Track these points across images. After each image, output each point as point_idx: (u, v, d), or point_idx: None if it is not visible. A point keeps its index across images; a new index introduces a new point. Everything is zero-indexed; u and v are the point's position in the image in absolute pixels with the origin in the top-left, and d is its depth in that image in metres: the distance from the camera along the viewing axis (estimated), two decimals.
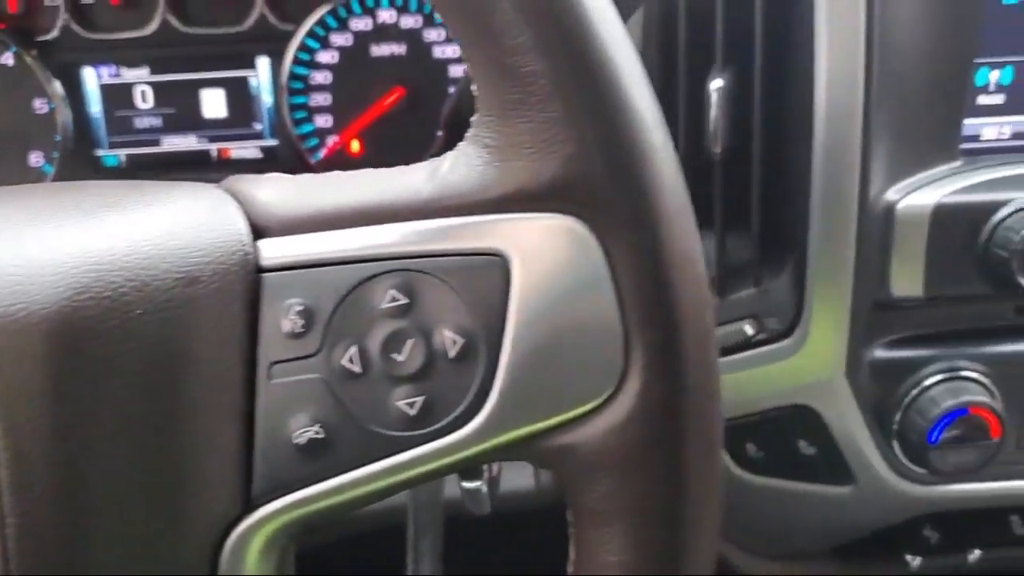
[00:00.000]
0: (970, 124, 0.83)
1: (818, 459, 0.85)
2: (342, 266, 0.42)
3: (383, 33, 0.98)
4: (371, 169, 0.45)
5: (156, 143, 1.02)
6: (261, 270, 0.42)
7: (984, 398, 0.81)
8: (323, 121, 1.00)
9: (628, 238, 0.41)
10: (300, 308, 0.41)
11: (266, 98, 1.01)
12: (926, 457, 0.82)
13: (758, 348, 0.82)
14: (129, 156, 1.01)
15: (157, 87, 1.00)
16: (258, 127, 1.04)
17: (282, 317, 0.41)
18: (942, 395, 0.82)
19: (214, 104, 1.03)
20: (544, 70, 0.40)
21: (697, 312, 0.42)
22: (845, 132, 0.75)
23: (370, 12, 0.97)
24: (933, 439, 0.82)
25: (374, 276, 0.42)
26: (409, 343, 0.42)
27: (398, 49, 0.99)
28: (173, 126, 1.01)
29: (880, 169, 0.78)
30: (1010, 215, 0.78)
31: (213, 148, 1.04)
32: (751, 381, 0.83)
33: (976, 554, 0.94)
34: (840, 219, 0.77)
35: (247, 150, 1.05)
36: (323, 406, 0.42)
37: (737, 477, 0.87)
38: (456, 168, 0.43)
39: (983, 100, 0.82)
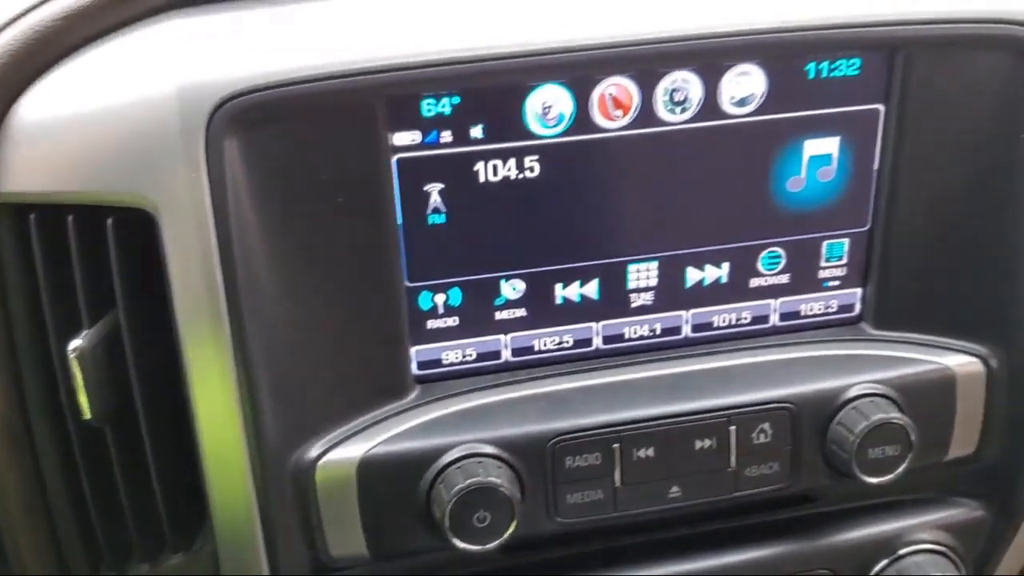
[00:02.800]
0: (424, 351, 0.73)
1: None
2: None
3: None
4: None
5: None
6: None
7: None
8: None
9: None
10: None
11: None
12: None
13: None
14: None
15: None
16: None
17: None
18: None
19: None
20: None
21: None
22: (218, 387, 0.65)
23: None
24: None
25: None
26: None
27: None
28: None
29: (294, 421, 0.68)
30: (446, 467, 0.69)
31: None
32: None
33: None
34: (237, 483, 0.67)
35: None
36: None
37: None
38: None
39: (434, 324, 0.72)
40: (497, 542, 0.68)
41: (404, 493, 0.69)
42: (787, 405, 0.72)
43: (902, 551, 0.80)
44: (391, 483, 0.69)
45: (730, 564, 0.78)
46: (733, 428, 0.72)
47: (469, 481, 0.67)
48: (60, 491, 0.69)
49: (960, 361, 0.76)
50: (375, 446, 0.69)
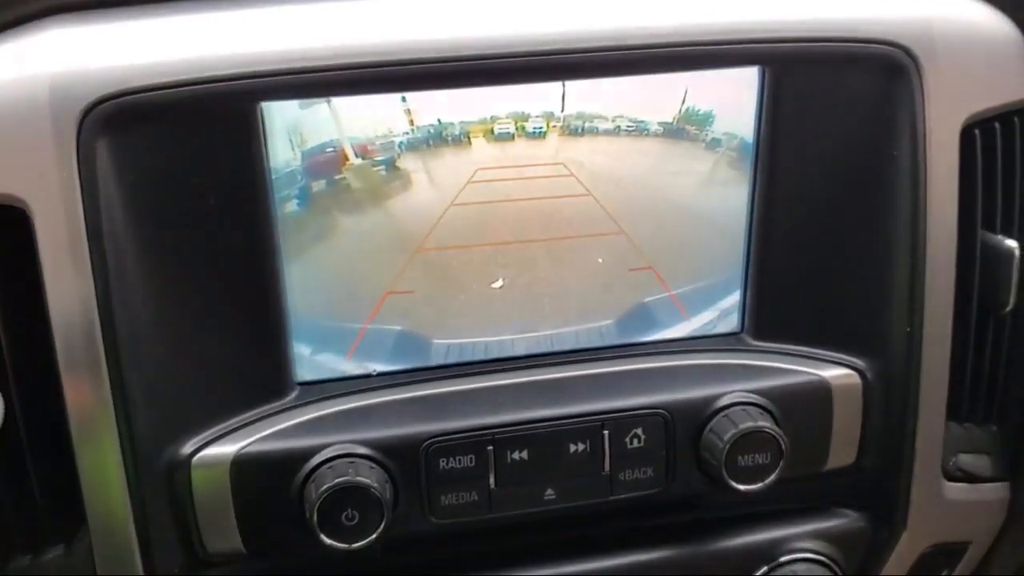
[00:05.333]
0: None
1: None
2: None
3: None
4: None
5: None
6: None
7: None
8: None
9: None
10: None
11: None
12: None
13: None
14: None
15: None
16: None
17: None
18: None
19: None
20: None
21: None
22: (88, 382, 0.66)
23: None
24: None
25: None
26: None
27: None
28: None
29: (168, 417, 0.69)
30: (318, 466, 0.70)
31: None
32: None
33: None
34: (110, 477, 0.67)
35: None
36: None
37: None
38: None
39: None
40: (366, 541, 0.69)
41: (277, 491, 0.70)
42: (661, 411, 0.74)
43: (782, 559, 0.81)
44: (264, 481, 0.70)
45: (611, 567, 0.79)
46: (606, 432, 0.73)
47: (337, 480, 0.68)
48: None
49: (836, 373, 0.77)
50: (249, 444, 0.70)
